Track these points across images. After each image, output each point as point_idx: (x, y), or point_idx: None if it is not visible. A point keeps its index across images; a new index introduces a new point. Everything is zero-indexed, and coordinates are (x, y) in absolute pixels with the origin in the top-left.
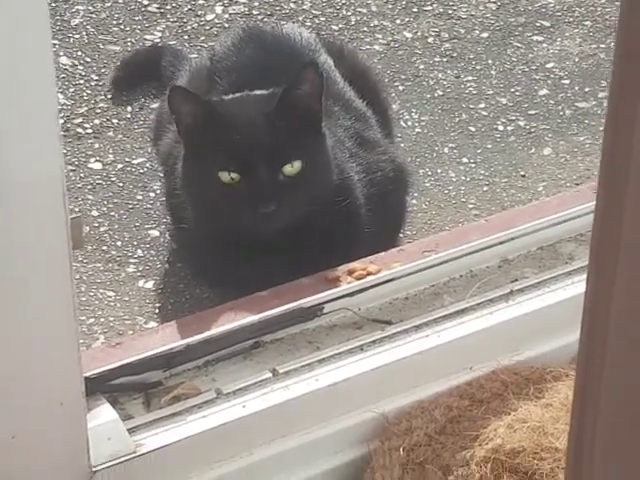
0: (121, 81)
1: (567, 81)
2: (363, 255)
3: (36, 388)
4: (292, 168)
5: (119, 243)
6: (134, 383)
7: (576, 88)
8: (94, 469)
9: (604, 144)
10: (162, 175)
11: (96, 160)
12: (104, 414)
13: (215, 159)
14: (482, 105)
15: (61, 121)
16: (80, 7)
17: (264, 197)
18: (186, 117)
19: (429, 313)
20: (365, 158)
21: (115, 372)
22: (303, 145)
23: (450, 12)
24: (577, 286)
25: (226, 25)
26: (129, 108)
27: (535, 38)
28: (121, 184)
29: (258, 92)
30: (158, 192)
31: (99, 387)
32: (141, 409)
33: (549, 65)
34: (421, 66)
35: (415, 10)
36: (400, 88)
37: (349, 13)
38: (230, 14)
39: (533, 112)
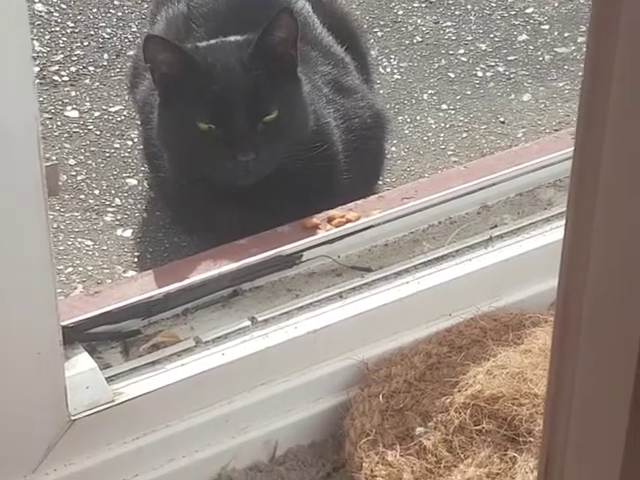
0: None
1: (547, 26)
2: (342, 202)
3: (12, 337)
4: (270, 115)
5: (97, 192)
6: (112, 332)
7: (555, 33)
8: (73, 418)
9: (582, 88)
10: (139, 123)
11: (73, 108)
12: (82, 363)
13: (192, 109)
14: (461, 51)
15: (37, 69)
16: None
17: (243, 146)
18: (161, 65)
19: (408, 260)
20: (343, 104)
21: (93, 321)
22: (280, 92)
23: None
24: (556, 232)
25: None
26: (105, 55)
27: None
28: (98, 132)
29: (232, 38)
30: (136, 140)
31: (77, 336)
32: (119, 358)
33: (528, 10)
34: (400, 12)
35: None
36: (379, 34)
37: None
38: None
39: (512, 58)
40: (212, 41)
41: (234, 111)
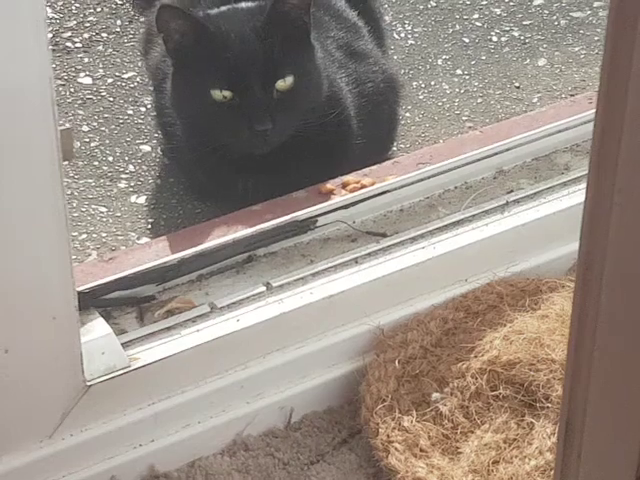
0: None
1: None
2: (355, 167)
3: (29, 302)
4: (285, 83)
5: (110, 158)
6: (127, 297)
7: None
8: (88, 383)
9: (604, 55)
10: (152, 89)
11: (86, 75)
12: (98, 328)
13: (207, 77)
14: (476, 15)
15: (50, 35)
16: None
17: (260, 115)
18: (174, 35)
19: (424, 225)
20: (355, 69)
21: (108, 286)
22: (294, 59)
23: None
24: (573, 197)
25: None
26: (118, 21)
27: None
28: (112, 99)
29: (244, 5)
30: (149, 107)
31: (92, 301)
32: (135, 323)
33: None
34: None
35: None
36: None
37: None
38: None
39: (528, 22)
40: (224, 8)
41: (249, 80)
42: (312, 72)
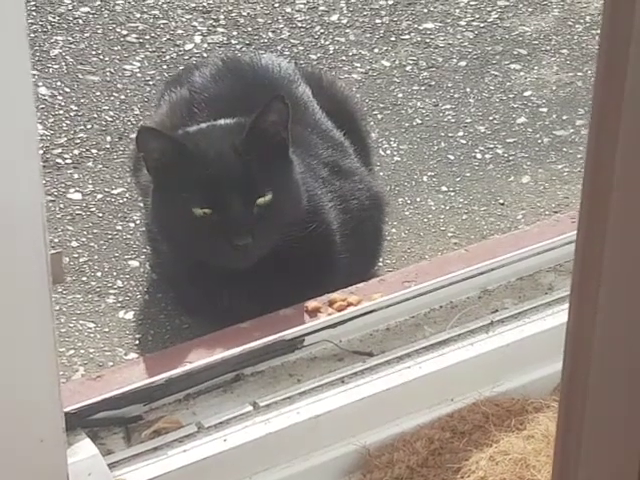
0: None
1: (545, 109)
2: (342, 282)
3: (16, 426)
4: (264, 199)
5: (99, 274)
6: (114, 417)
7: (554, 116)
8: None
9: (585, 175)
10: (142, 206)
11: (75, 190)
12: (84, 449)
13: (187, 195)
14: (460, 133)
15: (41, 152)
16: (59, 37)
17: (239, 230)
18: (153, 154)
19: (410, 344)
20: (340, 186)
21: (96, 407)
22: (273, 175)
23: (428, 41)
24: (557, 316)
25: (205, 55)
26: (108, 138)
27: (512, 66)
28: (101, 214)
29: (223, 122)
30: (138, 222)
31: (79, 422)
32: (122, 444)
33: (527, 93)
34: (399, 95)
35: (393, 39)
36: (379, 117)
37: (327, 42)
38: (209, 44)
39: (511, 140)
40: (203, 125)
41: (229, 196)
42: (291, 187)
